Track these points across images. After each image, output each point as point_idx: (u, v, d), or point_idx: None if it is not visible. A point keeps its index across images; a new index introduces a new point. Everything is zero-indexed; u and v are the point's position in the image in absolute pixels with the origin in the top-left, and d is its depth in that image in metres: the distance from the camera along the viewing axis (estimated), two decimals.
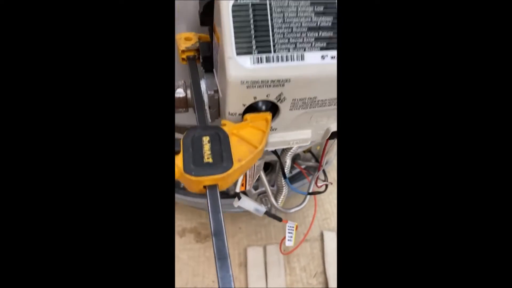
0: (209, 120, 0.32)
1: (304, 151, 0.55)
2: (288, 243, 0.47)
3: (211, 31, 0.29)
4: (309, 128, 0.32)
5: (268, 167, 0.59)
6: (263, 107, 0.28)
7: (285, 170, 0.45)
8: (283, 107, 0.28)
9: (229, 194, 0.60)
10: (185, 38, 0.34)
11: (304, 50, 0.25)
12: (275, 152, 0.42)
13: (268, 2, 0.24)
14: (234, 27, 0.24)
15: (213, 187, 0.23)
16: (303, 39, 0.25)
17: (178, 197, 0.63)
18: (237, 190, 0.39)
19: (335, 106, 0.30)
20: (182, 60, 0.34)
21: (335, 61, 0.26)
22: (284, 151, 0.44)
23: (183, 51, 0.34)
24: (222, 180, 0.23)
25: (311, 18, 0.25)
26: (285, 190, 0.49)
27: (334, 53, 0.26)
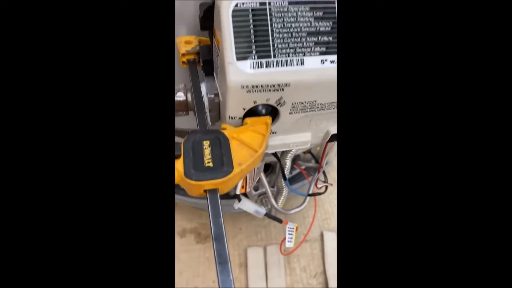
0: (210, 123, 0.32)
1: (304, 152, 0.55)
2: (288, 244, 0.47)
3: (211, 35, 0.30)
4: (309, 131, 0.33)
5: (268, 168, 0.59)
6: (263, 111, 0.28)
7: (285, 172, 0.45)
8: (283, 111, 0.28)
9: (230, 195, 0.61)
10: (185, 42, 0.34)
11: (304, 54, 0.25)
12: (275, 154, 0.42)
13: (268, 7, 0.24)
14: (234, 32, 0.24)
15: (213, 191, 0.23)
16: (303, 44, 0.25)
17: (178, 198, 0.63)
18: (238, 192, 0.39)
19: (335, 109, 0.30)
20: (183, 64, 0.34)
21: (334, 65, 0.26)
22: (284, 153, 0.44)
23: (183, 55, 0.34)
24: (222, 184, 0.23)
25: (311, 23, 0.25)
26: (285, 192, 0.49)
27: (333, 57, 0.26)
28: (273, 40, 0.25)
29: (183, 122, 0.34)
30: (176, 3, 0.32)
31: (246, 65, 0.24)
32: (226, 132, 0.26)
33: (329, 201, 0.77)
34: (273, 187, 0.55)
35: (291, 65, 0.25)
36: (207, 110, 0.31)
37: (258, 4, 0.24)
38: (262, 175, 0.46)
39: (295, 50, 0.25)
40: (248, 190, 0.40)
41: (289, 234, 0.47)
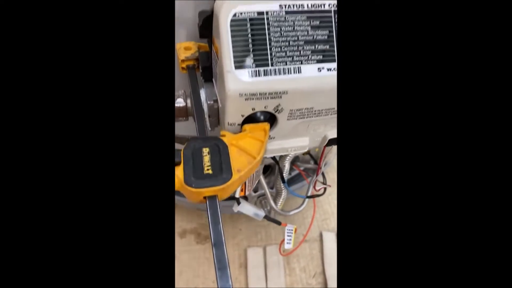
0: (209, 128, 0.32)
1: (303, 153, 0.56)
2: (287, 246, 0.48)
3: (210, 42, 0.30)
4: (307, 135, 0.33)
5: (267, 169, 0.60)
6: (262, 117, 0.28)
7: (284, 174, 0.46)
8: (281, 117, 0.29)
9: (229, 196, 0.61)
10: (184, 48, 0.35)
11: (301, 63, 0.26)
12: (273, 158, 0.43)
13: (265, 17, 0.25)
14: (233, 41, 0.25)
15: (213, 198, 0.23)
16: (300, 52, 0.26)
17: (178, 199, 0.64)
18: (237, 195, 0.40)
19: (332, 115, 0.30)
20: (182, 69, 0.35)
21: (331, 73, 0.26)
22: (283, 156, 0.45)
23: (183, 61, 0.34)
24: (221, 191, 0.24)
25: (308, 31, 0.26)
26: (284, 193, 0.50)
27: (330, 65, 0.26)
28: (270, 49, 0.25)
29: (183, 127, 0.35)
30: (176, 8, 0.32)
31: (245, 74, 0.25)
32: (225, 139, 0.27)
33: (328, 201, 0.78)
34: (272, 188, 0.56)
35: (288, 73, 0.26)
36: (206, 116, 0.31)
37: (256, 14, 0.25)
38: (261, 177, 0.47)
39: (293, 58, 0.26)
40: (247, 193, 0.41)
41: (288, 236, 0.47)
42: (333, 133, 0.34)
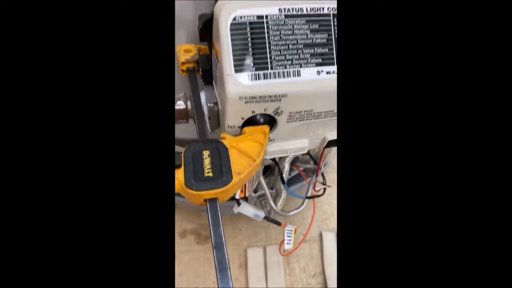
0: (209, 130, 0.33)
1: (303, 154, 0.56)
2: (287, 247, 0.48)
3: (210, 45, 0.30)
4: (306, 137, 0.33)
5: (267, 170, 0.60)
6: (261, 120, 0.29)
7: (284, 175, 0.46)
8: (281, 119, 0.29)
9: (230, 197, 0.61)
10: (184, 50, 0.35)
11: (300, 66, 0.26)
12: (273, 159, 0.43)
13: (265, 21, 0.25)
14: (232, 45, 0.25)
15: (213, 201, 0.24)
16: (299, 56, 0.26)
17: (178, 199, 0.64)
18: (237, 196, 0.40)
19: (331, 117, 0.31)
20: (182, 72, 0.35)
21: (330, 76, 0.27)
22: (283, 157, 0.45)
23: (183, 63, 0.34)
24: (222, 193, 0.24)
25: (307, 35, 0.26)
26: (284, 194, 0.50)
27: (329, 68, 0.27)
28: (270, 52, 0.25)
29: (183, 130, 0.35)
30: (176, 10, 0.33)
31: (244, 77, 0.25)
32: (225, 142, 0.27)
33: (328, 201, 0.78)
34: (272, 189, 0.56)
35: (288, 76, 0.26)
36: (206, 118, 0.31)
37: (255, 18, 0.25)
38: (261, 178, 0.47)
39: (292, 61, 0.26)
40: (247, 194, 0.41)
41: (288, 236, 0.48)
42: (332, 135, 0.34)
